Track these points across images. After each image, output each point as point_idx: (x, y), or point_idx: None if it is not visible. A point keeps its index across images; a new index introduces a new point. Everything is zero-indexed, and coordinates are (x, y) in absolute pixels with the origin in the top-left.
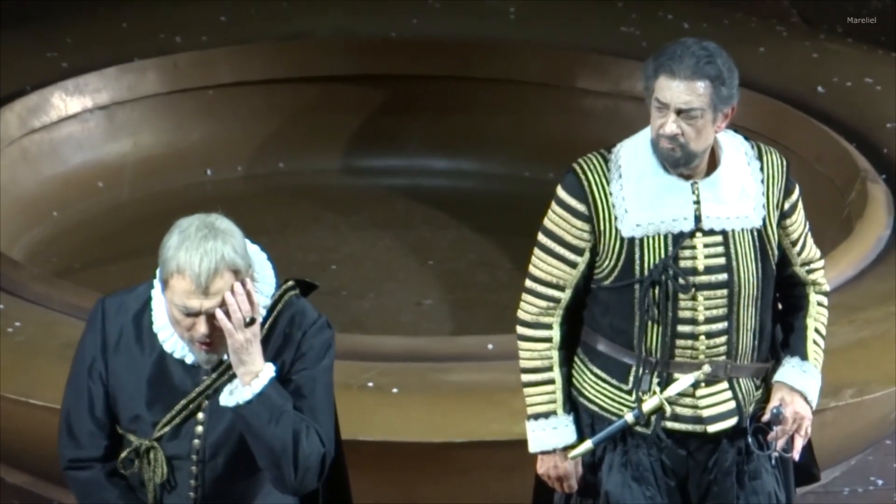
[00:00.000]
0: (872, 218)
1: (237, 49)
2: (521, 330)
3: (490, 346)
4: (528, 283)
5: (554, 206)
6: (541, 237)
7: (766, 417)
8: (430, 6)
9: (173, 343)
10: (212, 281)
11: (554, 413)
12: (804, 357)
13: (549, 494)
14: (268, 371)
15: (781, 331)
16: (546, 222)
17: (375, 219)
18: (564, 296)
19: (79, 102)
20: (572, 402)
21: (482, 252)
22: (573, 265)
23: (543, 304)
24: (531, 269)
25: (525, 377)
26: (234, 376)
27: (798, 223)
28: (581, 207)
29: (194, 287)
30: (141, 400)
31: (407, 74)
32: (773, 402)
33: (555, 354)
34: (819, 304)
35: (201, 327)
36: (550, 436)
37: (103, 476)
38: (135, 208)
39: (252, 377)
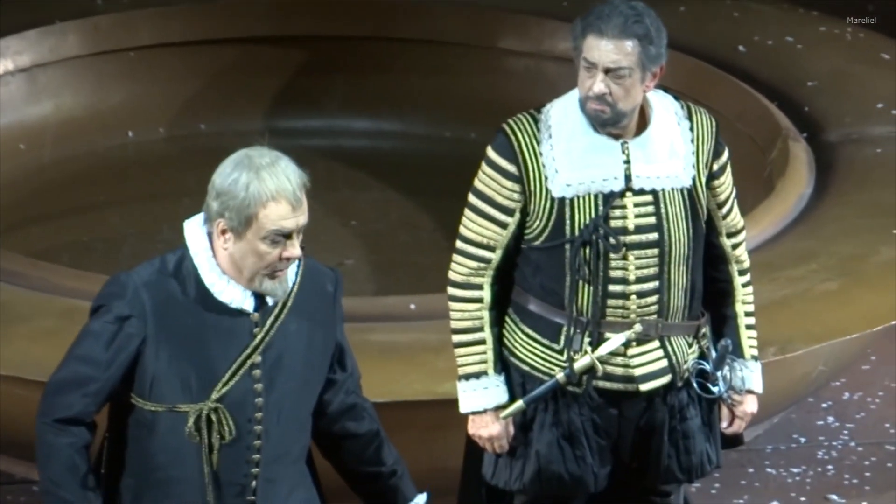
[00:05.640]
0: (794, 176)
1: (158, 11)
2: (451, 291)
3: (412, 307)
4: (459, 243)
5: (484, 166)
6: (471, 198)
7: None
8: None
9: (230, 293)
10: (302, 195)
11: (485, 373)
12: (741, 354)
13: (480, 455)
14: None
15: (711, 319)
16: (476, 183)
17: None
18: (495, 256)
19: None
20: (503, 363)
21: (404, 213)
22: (504, 226)
23: (474, 264)
24: (461, 229)
25: (456, 338)
26: (283, 324)
27: (726, 185)
28: (511, 168)
29: (290, 207)
30: (195, 361)
31: (327, 35)
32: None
33: (486, 315)
34: (744, 285)
35: (293, 249)
36: (481, 396)
37: (81, 446)
38: (57, 170)
39: None
